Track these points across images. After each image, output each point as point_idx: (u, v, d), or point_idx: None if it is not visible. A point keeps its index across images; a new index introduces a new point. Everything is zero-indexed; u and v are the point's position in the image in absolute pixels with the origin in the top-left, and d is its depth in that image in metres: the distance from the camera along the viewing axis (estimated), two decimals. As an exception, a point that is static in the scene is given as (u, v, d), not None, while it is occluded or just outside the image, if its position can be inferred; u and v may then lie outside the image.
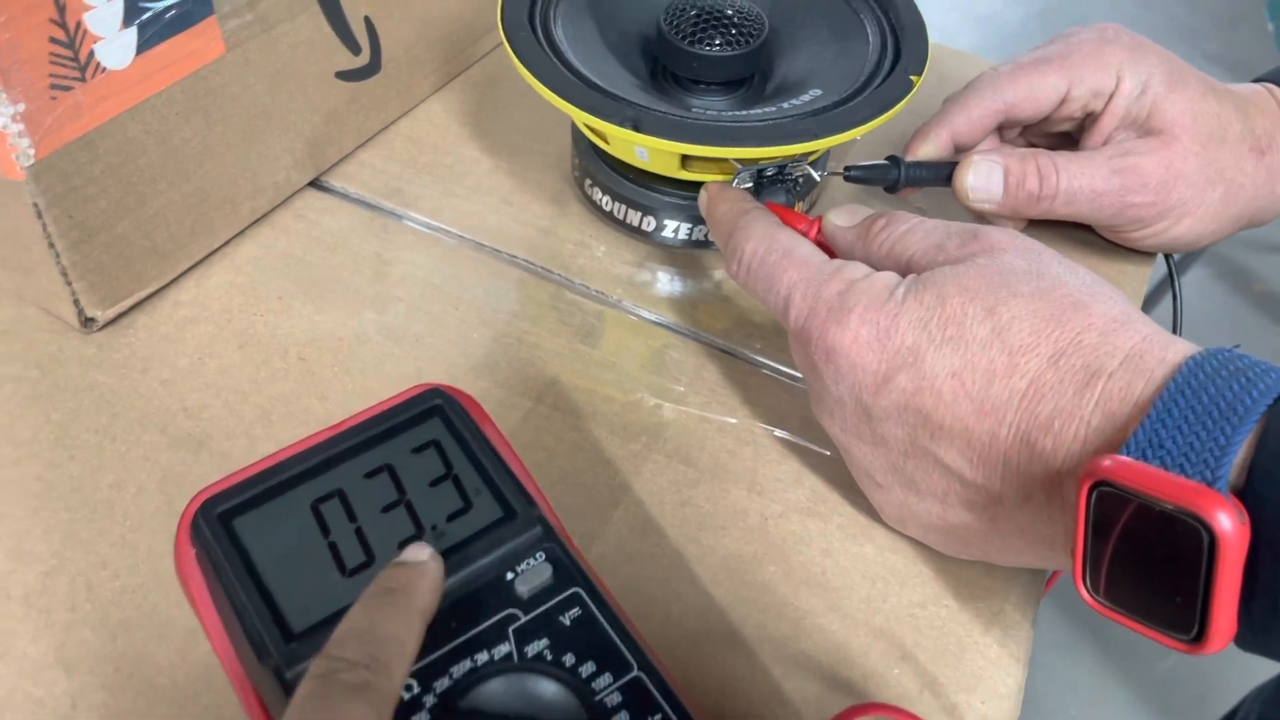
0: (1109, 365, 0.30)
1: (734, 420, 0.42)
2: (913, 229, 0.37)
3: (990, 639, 0.36)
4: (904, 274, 0.36)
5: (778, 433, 0.41)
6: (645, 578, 0.36)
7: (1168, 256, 0.49)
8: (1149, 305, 1.43)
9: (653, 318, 0.45)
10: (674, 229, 0.46)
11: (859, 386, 0.34)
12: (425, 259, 0.47)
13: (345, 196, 0.49)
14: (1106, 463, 0.28)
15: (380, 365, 0.42)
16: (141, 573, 0.35)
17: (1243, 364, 0.29)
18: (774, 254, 0.37)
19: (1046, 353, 0.31)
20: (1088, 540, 0.30)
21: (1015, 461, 0.32)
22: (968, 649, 0.35)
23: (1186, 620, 0.28)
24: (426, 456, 0.32)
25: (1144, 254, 0.49)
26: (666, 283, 0.47)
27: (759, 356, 0.44)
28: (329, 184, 0.49)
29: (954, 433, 0.33)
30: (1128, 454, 0.28)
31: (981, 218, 0.47)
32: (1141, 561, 0.28)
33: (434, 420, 0.33)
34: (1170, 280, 0.49)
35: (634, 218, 0.46)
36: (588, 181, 0.48)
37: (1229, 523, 0.26)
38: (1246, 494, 0.27)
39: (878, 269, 0.37)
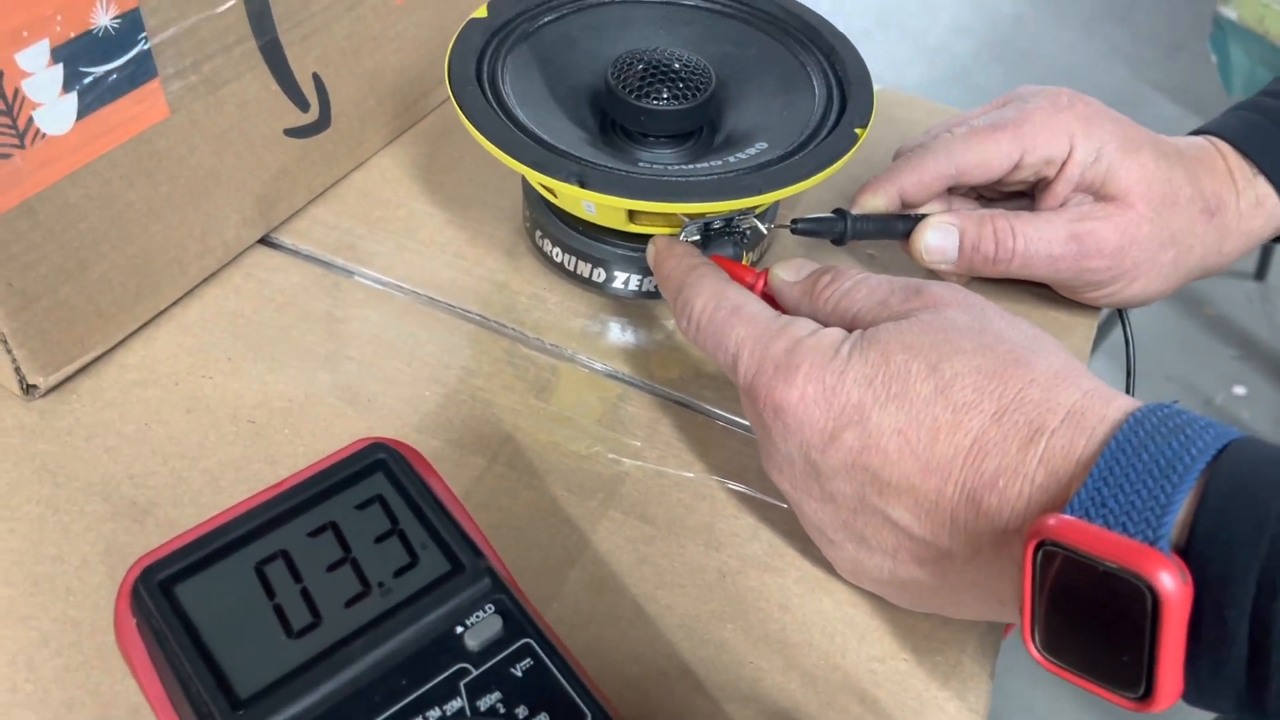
0: (1051, 422, 0.31)
1: (690, 474, 0.42)
2: (857, 285, 0.37)
3: (949, 692, 0.36)
4: (850, 329, 0.36)
5: (734, 486, 0.41)
6: (603, 639, 0.36)
7: (1121, 313, 0.50)
8: (1102, 335, 1.45)
9: (607, 370, 0.45)
10: (624, 280, 0.46)
11: (807, 444, 0.34)
12: (378, 316, 0.46)
13: (296, 253, 0.49)
14: (1051, 522, 0.29)
15: (331, 426, 0.41)
16: (84, 649, 0.34)
17: (1181, 420, 0.29)
18: (722, 310, 0.37)
19: (990, 409, 0.32)
20: (1035, 599, 0.30)
21: (962, 519, 0.32)
22: (927, 703, 0.35)
23: (1133, 678, 0.28)
24: (370, 512, 0.32)
25: (1090, 309, 0.50)
26: (619, 334, 0.47)
27: (713, 408, 0.44)
28: (279, 241, 0.49)
29: (901, 490, 0.33)
30: (1071, 513, 0.29)
31: (934, 274, 0.47)
32: (1088, 620, 0.29)
33: (377, 475, 0.33)
34: (1123, 330, 0.50)
35: (585, 269, 0.47)
36: (539, 234, 0.48)
37: (1171, 582, 0.27)
38: (1189, 552, 0.27)
39: (824, 324, 0.37)
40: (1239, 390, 1.94)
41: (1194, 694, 0.28)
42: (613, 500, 0.40)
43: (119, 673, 0.34)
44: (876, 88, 0.61)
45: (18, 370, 0.40)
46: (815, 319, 0.38)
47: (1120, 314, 0.49)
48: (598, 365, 0.45)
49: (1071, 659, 0.30)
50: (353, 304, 0.47)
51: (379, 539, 0.32)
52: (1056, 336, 0.47)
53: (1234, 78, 1.59)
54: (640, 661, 0.36)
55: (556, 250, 0.47)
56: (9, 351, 0.39)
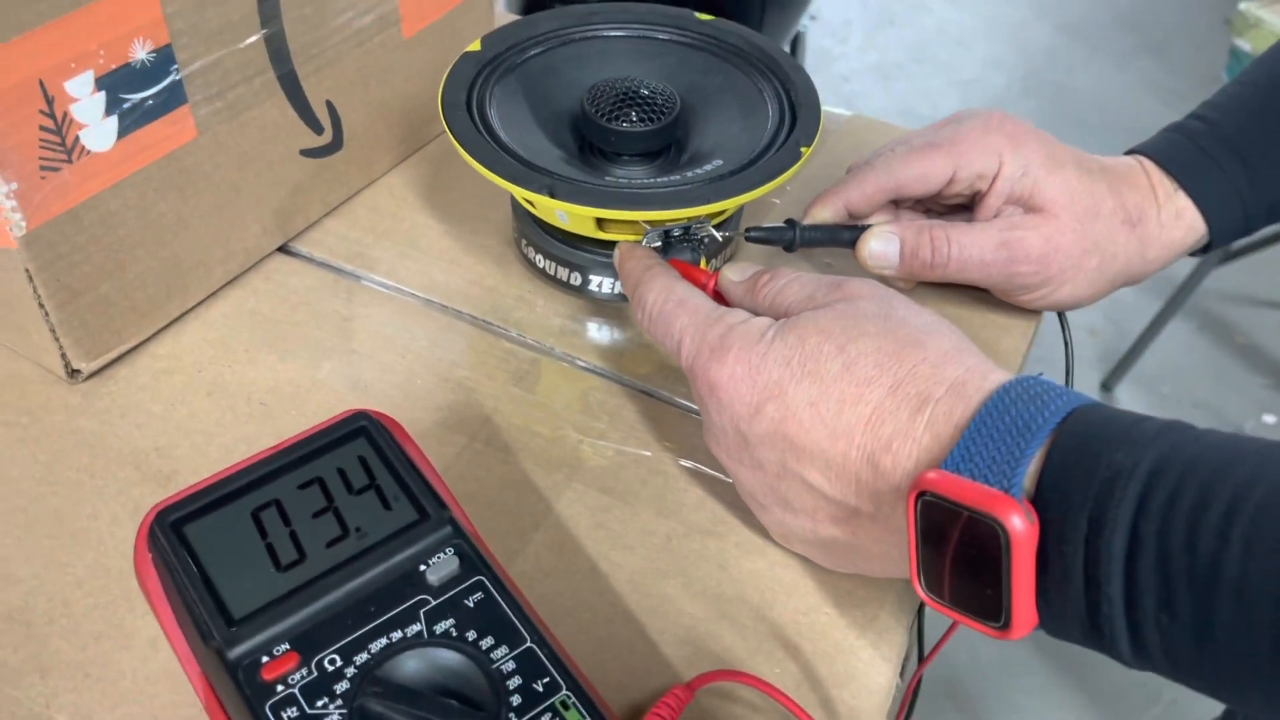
0: (937, 393, 0.35)
1: (647, 453, 0.46)
2: (790, 283, 0.42)
3: (864, 642, 0.40)
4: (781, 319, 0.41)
5: (684, 462, 0.46)
6: (560, 590, 0.41)
7: (1061, 316, 0.54)
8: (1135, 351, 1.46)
9: (582, 363, 0.51)
10: (599, 284, 0.51)
11: (736, 417, 0.39)
12: (380, 314, 0.52)
13: (311, 260, 0.55)
14: (930, 475, 0.33)
15: (332, 407, 0.47)
16: (112, 591, 0.40)
17: (1040, 389, 0.34)
18: (670, 303, 0.43)
19: (887, 383, 0.36)
20: (918, 543, 0.34)
21: (865, 478, 0.36)
22: (844, 650, 0.40)
23: (995, 610, 0.32)
24: (352, 470, 0.37)
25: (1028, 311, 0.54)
26: (595, 332, 0.52)
27: (675, 397, 0.49)
28: (296, 249, 0.55)
29: (814, 455, 0.37)
30: (945, 468, 0.33)
31: (883, 279, 0.52)
32: (958, 560, 0.33)
33: (360, 439, 0.38)
34: (1063, 333, 0.54)
35: (564, 274, 0.52)
36: (524, 242, 0.53)
37: (1020, 523, 0.31)
38: (1037, 499, 0.32)
39: (763, 315, 0.42)
40: (1269, 419, 1.93)
41: (1048, 623, 0.32)
42: (576, 474, 0.45)
43: (141, 610, 0.39)
44: (847, 114, 0.66)
45: (64, 356, 0.46)
46: (756, 313, 0.43)
47: (1060, 318, 0.53)
48: (575, 359, 0.51)
49: (947, 595, 0.34)
50: (358, 304, 0.52)
51: (358, 492, 0.37)
52: (995, 337, 0.52)
53: (1252, 108, 1.61)
54: (591, 609, 0.40)
55: (539, 257, 0.53)
56: (57, 339, 0.45)
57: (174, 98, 0.45)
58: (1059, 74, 2.68)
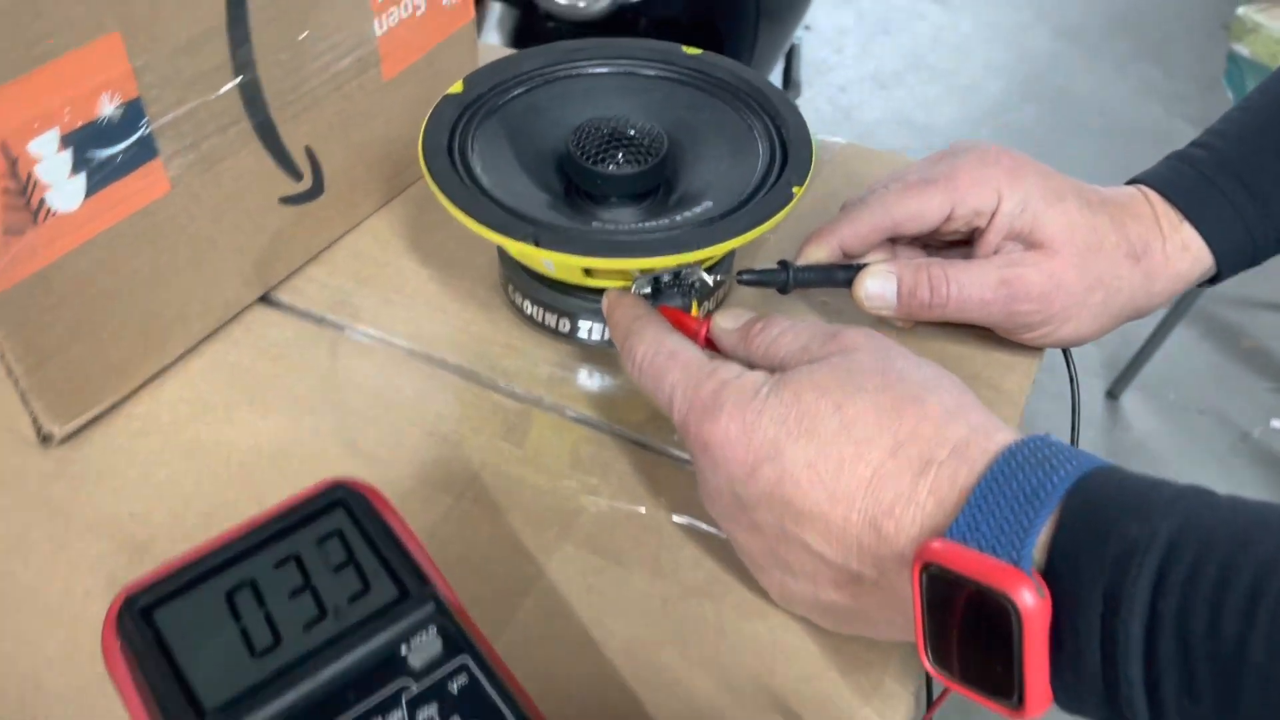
0: (940, 454, 0.34)
1: (641, 509, 0.45)
2: (784, 332, 0.40)
3: (870, 709, 0.38)
4: (776, 373, 0.40)
5: (678, 518, 0.44)
6: (550, 660, 0.39)
7: (1065, 352, 0.52)
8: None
9: (572, 414, 0.49)
10: (589, 330, 0.50)
11: (732, 477, 0.38)
12: (364, 366, 0.50)
13: (293, 310, 0.53)
14: (934, 545, 0.32)
15: (314, 467, 0.45)
16: (85, 673, 0.38)
17: (1049, 452, 0.32)
18: (660, 356, 0.41)
19: (887, 443, 0.35)
20: (924, 615, 0.32)
21: (866, 543, 0.35)
22: (847, 718, 0.38)
23: (1007, 687, 0.31)
24: (330, 545, 0.36)
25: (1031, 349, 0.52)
26: (585, 380, 0.50)
27: (669, 448, 0.48)
28: (277, 299, 0.54)
29: (813, 517, 0.36)
30: (951, 537, 0.32)
31: (881, 320, 0.50)
32: (967, 634, 0.31)
33: (338, 512, 0.37)
34: (1068, 369, 0.52)
35: (552, 320, 0.50)
36: (511, 288, 0.52)
37: (1030, 598, 0.29)
38: (1049, 572, 0.30)
39: (756, 366, 0.41)
40: (1276, 424, 1.91)
41: (1064, 701, 0.31)
42: (568, 534, 0.43)
43: (112, 697, 0.38)
44: (841, 142, 0.64)
45: (35, 421, 0.44)
46: (750, 363, 0.42)
47: (1064, 354, 0.52)
48: (565, 410, 0.49)
49: (957, 670, 0.32)
50: (341, 356, 0.51)
51: (336, 569, 0.35)
52: (998, 376, 0.50)
53: (1253, 113, 1.59)
54: (583, 682, 0.39)
55: (526, 303, 0.51)
56: (27, 404, 0.44)
57: (145, 152, 0.44)
58: (1059, 79, 2.67)
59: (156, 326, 0.48)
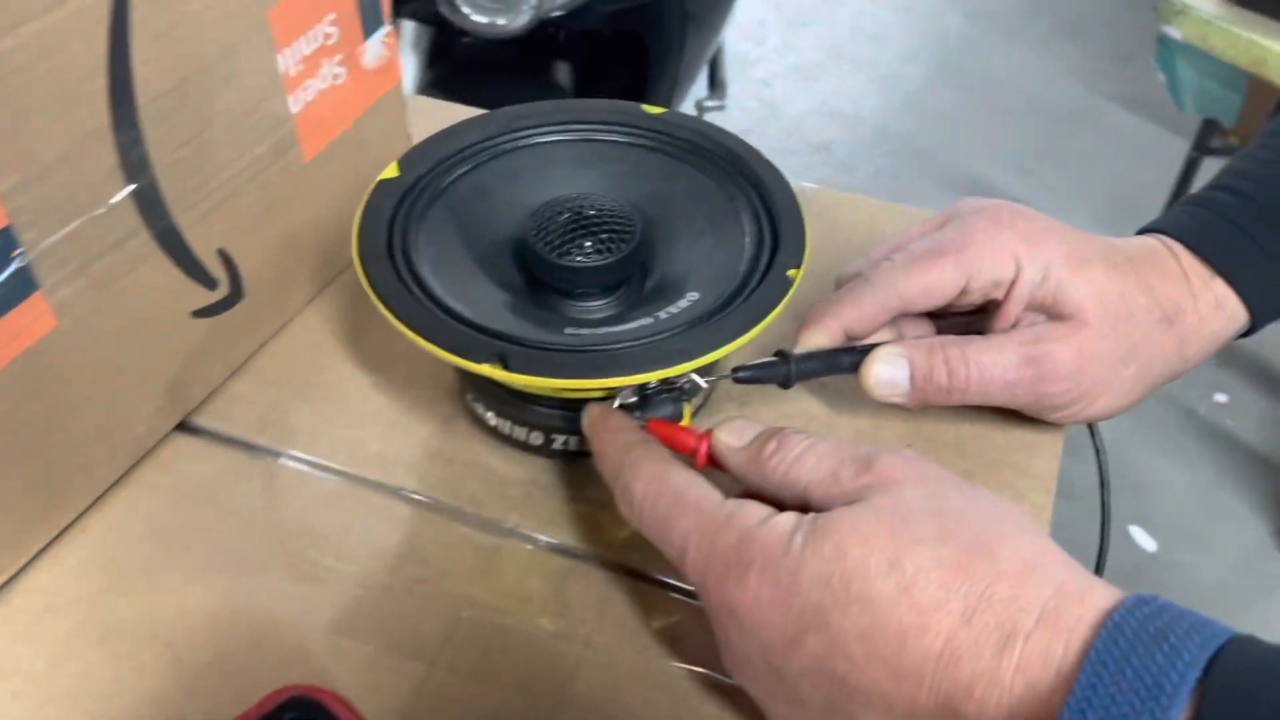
0: (1025, 625, 0.28)
1: (647, 659, 0.39)
2: (804, 455, 0.35)
3: None
4: (801, 503, 0.34)
5: (695, 669, 0.38)
6: None
7: (1091, 425, 0.47)
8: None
9: (553, 542, 0.43)
10: (564, 442, 0.44)
11: (766, 648, 0.32)
12: (305, 502, 0.43)
13: (217, 436, 0.46)
14: (1037, 750, 0.26)
15: (256, 642, 0.38)
16: None
17: (1164, 623, 0.27)
18: (664, 499, 0.35)
19: (958, 609, 0.29)
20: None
21: (940, 728, 0.29)
22: None
23: None
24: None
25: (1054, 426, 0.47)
26: (563, 499, 0.44)
27: (666, 576, 0.41)
28: (198, 424, 0.46)
29: (871, 696, 0.30)
30: (1056, 737, 0.26)
31: (889, 406, 0.45)
32: None
33: None
34: (1094, 443, 0.47)
35: (522, 434, 0.44)
36: (470, 396, 0.45)
37: (1168, 830, 0.24)
38: (1185, 787, 0.25)
39: (773, 494, 0.35)
40: (1220, 398, 1.92)
41: None
42: (565, 703, 0.37)
43: None
44: (812, 187, 0.59)
45: (-90, 619, 0.37)
46: (764, 489, 0.36)
47: (1090, 428, 0.47)
48: (542, 538, 0.43)
49: None
50: (278, 491, 0.44)
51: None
52: (1024, 459, 0.45)
53: (1184, 94, 1.59)
54: None
55: (490, 415, 0.44)
56: (-102, 602, 0.36)
57: (21, 286, 0.36)
58: (978, 62, 2.66)
59: (55, 480, 0.40)
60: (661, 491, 0.35)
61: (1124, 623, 0.27)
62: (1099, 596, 0.29)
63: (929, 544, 0.30)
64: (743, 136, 0.47)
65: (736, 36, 2.68)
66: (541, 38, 1.37)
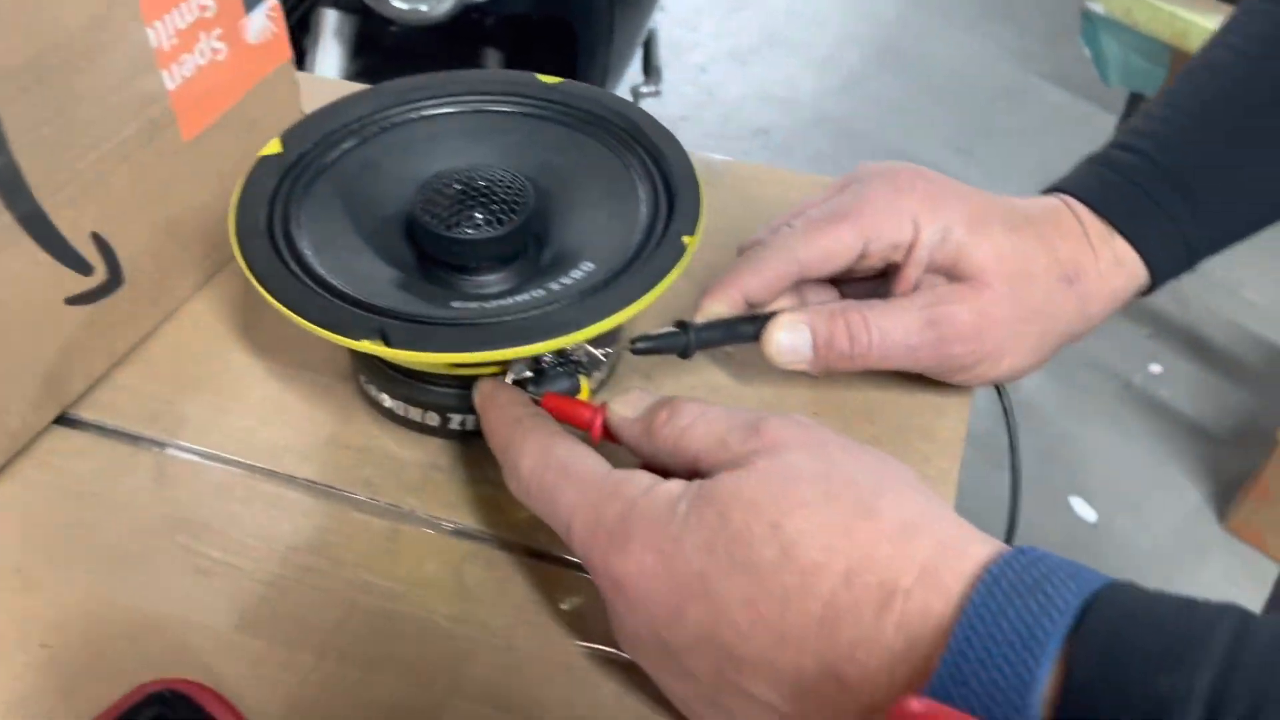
0: (905, 582, 0.28)
1: (546, 642, 0.38)
2: (695, 423, 0.34)
3: None
4: (691, 471, 0.33)
5: (595, 647, 0.37)
6: None
7: (999, 388, 0.47)
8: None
9: (450, 525, 0.41)
10: (461, 421, 0.42)
11: (654, 620, 0.31)
12: (192, 496, 0.42)
13: (100, 429, 0.44)
14: (914, 706, 0.25)
15: (136, 639, 0.37)
16: None
17: (1040, 573, 0.26)
18: (550, 472, 0.34)
19: (839, 569, 0.28)
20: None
21: (826, 693, 0.28)
22: None
23: None
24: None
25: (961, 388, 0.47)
26: (463, 480, 0.43)
27: (568, 555, 0.40)
28: (79, 416, 0.44)
29: (759, 666, 0.29)
30: (933, 693, 0.26)
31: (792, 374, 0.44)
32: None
33: None
34: (1002, 405, 0.47)
35: (417, 414, 0.43)
36: (363, 378, 0.44)
37: (1045, 779, 0.23)
38: (1060, 736, 0.24)
39: (666, 464, 0.34)
40: (1155, 369, 1.96)
41: None
42: (459, 686, 0.36)
43: None
44: (724, 159, 0.58)
45: None
46: (657, 459, 0.35)
47: (998, 390, 0.47)
48: (440, 521, 0.41)
49: None
50: (164, 484, 0.42)
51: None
52: (930, 423, 0.44)
53: (1109, 69, 1.60)
54: None
55: (385, 397, 0.43)
56: None
57: None
58: (913, 45, 2.67)
59: (-82, 480, 0.38)
60: (548, 464, 0.34)
61: (1001, 575, 0.26)
62: (979, 550, 0.28)
63: (812, 507, 0.29)
64: (680, 122, 0.46)
65: (671, 22, 2.67)
66: (468, 24, 1.35)
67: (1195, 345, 2.02)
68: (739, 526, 0.30)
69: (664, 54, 2.41)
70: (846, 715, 0.28)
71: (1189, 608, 0.25)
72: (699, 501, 0.31)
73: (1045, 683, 0.25)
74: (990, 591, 0.26)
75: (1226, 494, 1.65)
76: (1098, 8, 1.51)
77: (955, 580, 0.27)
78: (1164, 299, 2.12)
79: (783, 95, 2.49)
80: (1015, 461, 0.47)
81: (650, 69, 1.92)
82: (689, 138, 0.45)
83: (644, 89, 1.90)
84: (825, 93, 2.51)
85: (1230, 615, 0.24)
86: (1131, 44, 1.55)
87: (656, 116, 0.45)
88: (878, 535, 0.29)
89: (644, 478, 0.33)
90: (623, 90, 1.79)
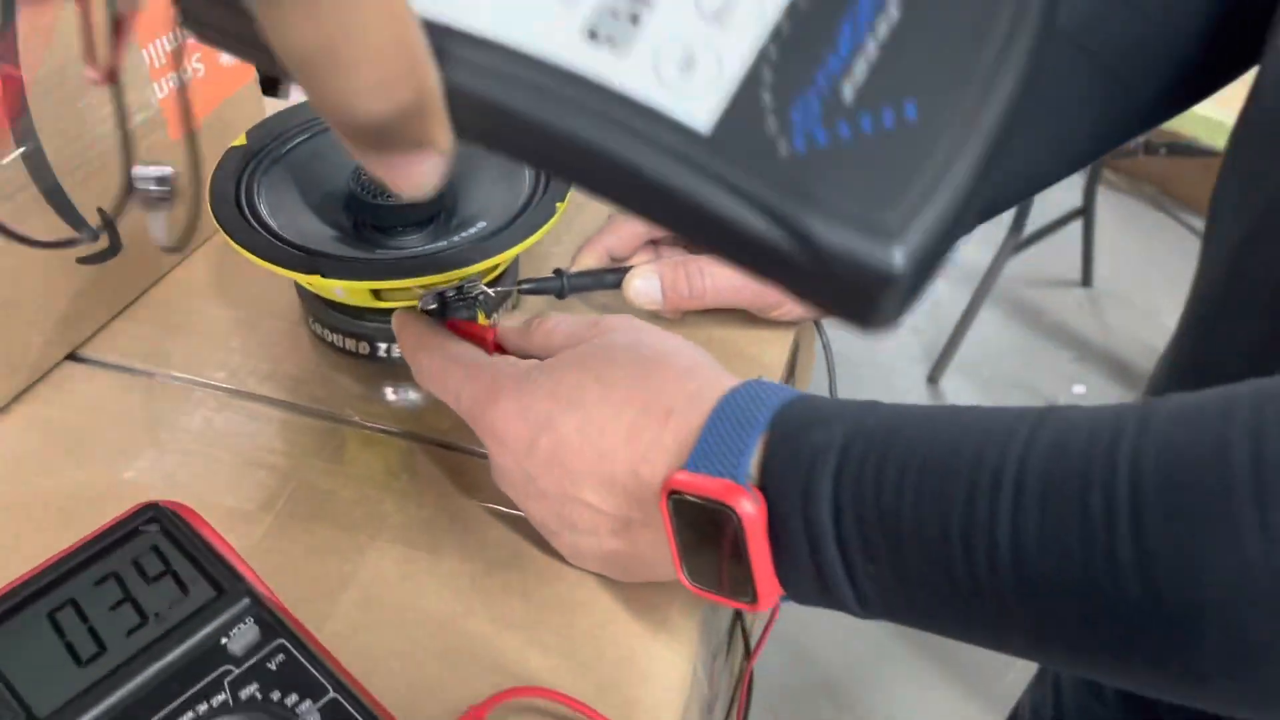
0: (679, 404, 0.40)
1: (449, 502, 0.49)
2: (558, 325, 0.46)
3: (659, 642, 0.44)
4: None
5: (484, 505, 0.49)
6: (371, 643, 0.43)
7: (817, 323, 0.59)
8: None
9: (379, 427, 0.53)
10: (387, 349, 0.54)
11: (516, 453, 0.43)
12: (176, 409, 0.53)
13: (103, 364, 0.56)
14: (676, 477, 0.37)
15: (133, 501, 0.48)
16: (-82, 718, 0.40)
17: (760, 391, 0.38)
18: (444, 361, 0.46)
19: (639, 401, 0.40)
20: (676, 538, 0.38)
21: (631, 489, 0.40)
22: (638, 654, 0.43)
23: (744, 588, 0.37)
24: (147, 560, 0.39)
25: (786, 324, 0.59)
26: (392, 396, 0.55)
27: (474, 446, 0.52)
28: (86, 355, 0.56)
29: (587, 475, 0.41)
30: (689, 469, 0.37)
31: (653, 315, 0.57)
32: (709, 548, 0.37)
33: (153, 529, 0.40)
34: (820, 338, 0.59)
35: (352, 345, 0.54)
36: (311, 319, 0.56)
37: (749, 506, 0.35)
38: (764, 484, 0.36)
39: (540, 358, 0.46)
40: (1079, 389, 2.09)
41: (791, 590, 0.37)
42: (380, 533, 0.48)
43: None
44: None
45: None
46: (532, 355, 0.47)
47: (816, 325, 0.59)
48: (375, 425, 0.53)
49: (707, 582, 0.38)
50: (157, 401, 0.54)
51: (154, 580, 0.39)
52: (759, 351, 0.57)
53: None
54: (403, 656, 0.43)
55: (327, 332, 0.55)
56: None
57: (-68, 225, 0.46)
58: None
59: (-37, 392, 0.50)
60: (443, 358, 0.46)
61: (735, 393, 0.39)
62: (729, 382, 0.40)
63: (624, 364, 0.42)
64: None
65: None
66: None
67: (1116, 367, 2.16)
68: (573, 379, 0.42)
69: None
70: (647, 503, 0.40)
71: (846, 401, 0.37)
72: (546, 367, 0.43)
73: (754, 451, 0.36)
74: (726, 402, 0.38)
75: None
76: None
77: (709, 400, 0.39)
78: (1087, 325, 2.27)
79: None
80: (833, 385, 0.59)
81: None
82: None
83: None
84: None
85: (871, 403, 0.36)
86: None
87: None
88: (665, 377, 0.41)
89: (510, 359, 0.45)
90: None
